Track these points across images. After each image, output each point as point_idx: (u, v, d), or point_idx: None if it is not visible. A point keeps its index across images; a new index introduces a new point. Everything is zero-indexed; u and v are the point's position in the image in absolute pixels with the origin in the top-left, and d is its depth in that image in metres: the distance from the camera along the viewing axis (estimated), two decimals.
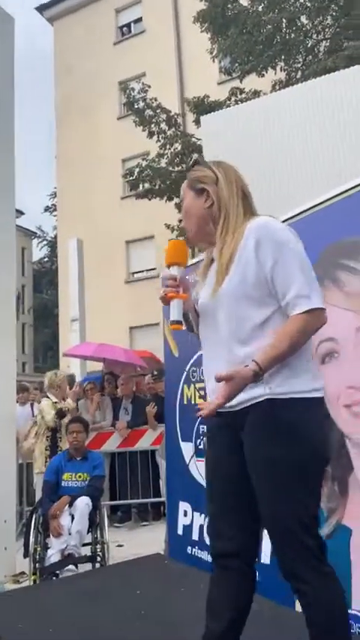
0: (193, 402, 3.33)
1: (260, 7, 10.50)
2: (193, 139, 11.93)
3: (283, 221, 1.93)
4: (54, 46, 20.45)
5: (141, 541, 4.83)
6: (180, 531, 3.33)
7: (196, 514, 3.20)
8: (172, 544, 3.44)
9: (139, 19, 18.52)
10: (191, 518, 3.24)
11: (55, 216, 25.91)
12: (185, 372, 3.41)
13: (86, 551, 3.78)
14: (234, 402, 1.53)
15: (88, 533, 3.83)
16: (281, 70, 10.64)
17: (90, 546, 3.82)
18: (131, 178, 12.85)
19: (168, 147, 12.21)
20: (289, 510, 1.47)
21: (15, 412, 4.87)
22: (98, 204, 17.23)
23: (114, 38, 18.92)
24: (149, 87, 12.62)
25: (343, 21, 9.89)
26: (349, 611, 1.78)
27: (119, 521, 5.80)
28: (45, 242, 33.79)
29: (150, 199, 12.59)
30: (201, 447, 3.20)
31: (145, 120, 12.23)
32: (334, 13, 10.20)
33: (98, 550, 3.80)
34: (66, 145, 18.88)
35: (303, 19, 10.31)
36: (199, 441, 3.22)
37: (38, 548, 3.71)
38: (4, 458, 4.25)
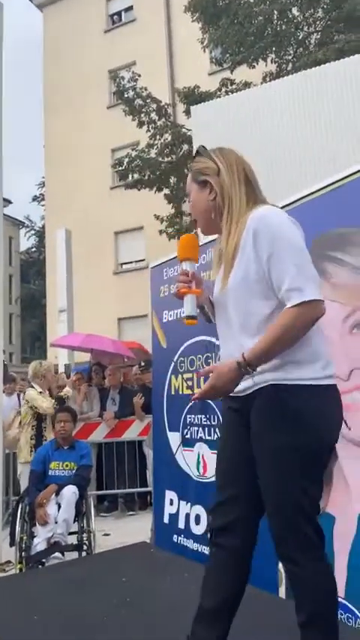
0: (180, 393, 3.35)
1: None
2: (184, 130, 11.88)
3: None
4: (43, 34, 20.16)
5: (127, 530, 4.86)
6: (166, 520, 3.36)
7: (182, 503, 3.22)
8: (158, 532, 3.47)
9: (130, 8, 18.31)
10: (177, 507, 3.26)
11: (43, 205, 25.72)
12: (173, 363, 3.42)
13: (72, 540, 3.80)
14: (241, 387, 1.57)
15: (74, 522, 3.84)
16: (272, 62, 10.62)
17: (76, 535, 3.84)
18: (120, 168, 12.78)
19: (158, 137, 12.15)
20: (292, 499, 1.49)
21: (2, 403, 4.86)
22: (87, 194, 17.10)
23: (104, 26, 18.70)
24: (139, 76, 12.53)
25: (334, 14, 9.87)
26: None
27: (106, 511, 5.82)
28: (33, 232, 33.56)
29: (139, 190, 12.54)
30: (188, 436, 3.22)
31: (134, 109, 12.15)
32: (325, 6, 10.19)
33: (84, 539, 3.82)
34: (54, 134, 18.68)
35: (294, 10, 10.28)
36: (186, 430, 3.24)
37: (24, 537, 3.72)
38: None
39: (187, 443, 3.22)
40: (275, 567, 2.40)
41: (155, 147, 12.21)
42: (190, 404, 3.21)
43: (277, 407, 1.52)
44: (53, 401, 4.86)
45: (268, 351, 1.50)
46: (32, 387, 4.98)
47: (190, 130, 9.42)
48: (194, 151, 1.77)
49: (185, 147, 11.75)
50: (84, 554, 3.73)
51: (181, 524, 3.19)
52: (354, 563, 2.03)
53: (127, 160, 12.37)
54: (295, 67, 9.93)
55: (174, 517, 3.28)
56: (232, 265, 1.58)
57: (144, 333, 8.02)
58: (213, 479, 2.93)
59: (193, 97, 11.00)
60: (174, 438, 3.35)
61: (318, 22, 10.55)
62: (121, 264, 17.23)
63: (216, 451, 2.95)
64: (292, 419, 1.49)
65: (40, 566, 3.52)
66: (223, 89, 11.12)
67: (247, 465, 1.58)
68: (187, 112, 10.07)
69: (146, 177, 12.23)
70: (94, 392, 6.34)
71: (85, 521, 3.92)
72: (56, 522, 3.69)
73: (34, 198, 30.69)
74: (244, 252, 1.55)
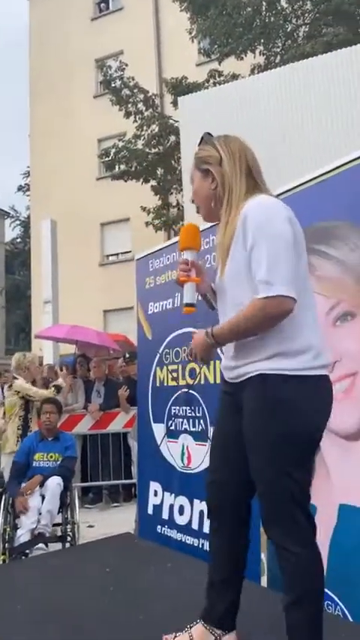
0: (165, 384, 3.35)
1: None
2: (171, 121, 11.81)
3: None
4: (29, 21, 19.83)
5: (112, 522, 4.87)
6: (150, 511, 3.37)
7: (167, 494, 3.24)
8: (142, 523, 3.49)
9: None
10: (161, 498, 3.28)
11: (28, 196, 25.38)
12: (158, 355, 3.42)
13: (56, 531, 3.80)
14: (234, 374, 1.66)
15: (58, 513, 3.84)
16: (260, 54, 10.59)
17: (60, 527, 3.85)
18: (107, 159, 12.68)
19: (145, 128, 12.06)
20: (281, 485, 1.53)
21: None
22: (73, 185, 16.93)
23: (91, 14, 18.45)
24: (126, 65, 12.40)
25: (322, 6, 9.86)
26: None
27: (90, 503, 5.83)
28: (18, 222, 33.10)
29: (126, 181, 12.45)
30: (172, 428, 3.23)
31: (121, 99, 12.04)
32: None
33: (68, 530, 3.82)
34: (40, 123, 18.44)
35: (283, 2, 10.25)
36: (170, 422, 3.25)
37: (7, 529, 3.72)
38: None
39: (172, 434, 3.23)
40: (258, 557, 2.43)
41: (142, 138, 12.12)
42: (175, 395, 3.22)
43: (266, 396, 1.55)
44: (52, 388, 4.92)
45: (231, 334, 1.60)
46: (16, 378, 4.95)
47: (177, 121, 9.36)
48: (200, 138, 1.79)
49: (172, 138, 11.68)
50: (68, 545, 3.73)
51: (165, 515, 3.21)
52: (334, 552, 2.06)
53: (113, 150, 12.27)
54: (283, 59, 9.92)
55: (158, 508, 3.30)
56: (228, 254, 1.62)
57: (129, 325, 8.01)
58: (197, 470, 2.97)
59: (180, 88, 10.93)
60: (158, 430, 3.36)
61: (306, 15, 10.53)
62: (107, 255, 17.14)
63: (200, 442, 2.99)
64: (281, 408, 1.52)
65: (23, 557, 3.52)
66: (211, 80, 11.06)
67: (239, 450, 1.63)
68: (175, 103, 10.01)
69: (133, 169, 12.15)
70: (79, 384, 6.32)
71: (69, 512, 3.92)
72: (40, 514, 3.68)
73: (19, 188, 30.24)
74: (238, 240, 1.58)
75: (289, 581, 1.56)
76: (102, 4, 18.57)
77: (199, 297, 1.84)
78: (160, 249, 3.53)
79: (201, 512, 2.91)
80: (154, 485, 3.37)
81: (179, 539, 3.06)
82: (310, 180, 2.39)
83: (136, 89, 12.09)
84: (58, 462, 3.98)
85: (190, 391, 3.11)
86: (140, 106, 12.12)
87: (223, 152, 1.68)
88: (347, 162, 2.24)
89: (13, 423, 4.82)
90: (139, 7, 17.07)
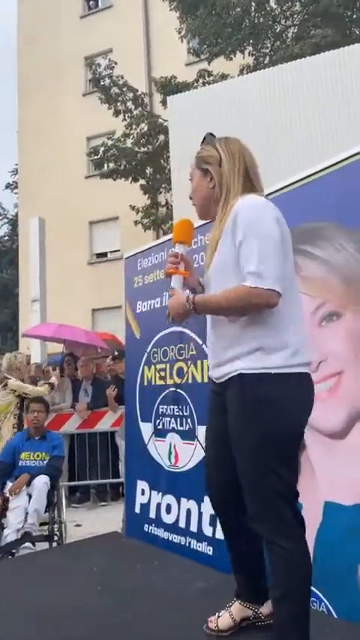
0: (153, 383, 3.35)
1: None
2: (160, 120, 11.80)
3: None
4: (17, 18, 19.66)
5: (99, 521, 4.87)
6: (137, 510, 3.38)
7: (154, 493, 3.24)
8: (129, 522, 3.49)
9: None
10: (149, 497, 3.28)
11: (16, 193, 25.19)
12: (146, 354, 3.42)
13: (44, 531, 3.79)
14: (217, 373, 1.71)
15: (45, 512, 3.83)
16: (249, 55, 10.62)
17: (47, 526, 3.84)
18: (96, 157, 12.64)
19: (134, 127, 12.04)
20: (265, 481, 1.56)
21: None
22: (61, 183, 16.83)
23: (80, 12, 18.36)
24: (116, 64, 12.36)
25: (311, 8, 9.91)
26: None
27: (78, 502, 5.82)
28: (5, 220, 32.84)
29: (115, 180, 12.42)
30: (160, 427, 3.24)
31: (111, 98, 12.01)
32: (302, 0, 10.21)
33: (56, 529, 3.82)
34: (28, 121, 18.30)
35: (272, 3, 10.29)
36: (158, 421, 3.26)
37: None
38: None
39: (159, 433, 3.24)
40: None
41: (131, 136, 12.10)
42: (163, 394, 3.23)
43: (247, 396, 1.59)
44: (47, 385, 5.12)
45: (209, 308, 1.67)
46: (8, 378, 5.06)
47: (166, 120, 9.36)
48: (203, 138, 1.85)
49: (162, 137, 11.67)
50: (55, 544, 3.73)
51: (152, 514, 3.22)
52: (319, 549, 2.08)
53: (102, 149, 12.23)
54: (272, 60, 9.96)
55: (145, 507, 3.30)
56: (215, 249, 1.69)
57: (118, 324, 8.00)
58: (184, 469, 2.98)
59: (170, 88, 10.93)
60: (146, 429, 3.37)
61: (295, 16, 10.58)
62: (96, 254, 17.08)
63: (187, 441, 3.00)
64: (262, 407, 1.56)
65: (10, 557, 3.51)
66: (200, 80, 11.07)
67: (227, 449, 1.68)
68: (164, 102, 10.00)
69: (122, 167, 12.12)
70: (67, 383, 6.30)
71: (56, 511, 3.91)
72: (27, 513, 3.67)
73: (7, 186, 29.97)
74: (227, 236, 1.64)
75: (278, 576, 1.59)
76: (91, 2, 18.48)
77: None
78: (149, 248, 3.53)
79: (188, 511, 2.93)
80: (142, 484, 3.37)
81: (166, 537, 3.06)
82: (297, 181, 2.41)
83: (125, 88, 12.06)
84: (45, 461, 3.98)
85: (178, 390, 3.11)
86: (129, 104, 12.10)
87: (223, 153, 1.74)
88: (334, 163, 2.27)
89: (9, 422, 4.87)
90: (129, 4, 17.01)
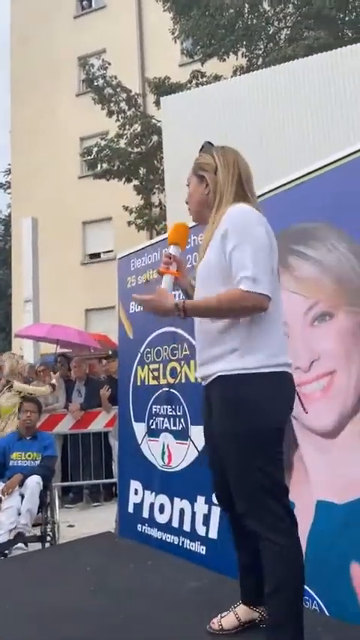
0: (146, 383, 3.36)
1: None
2: (154, 121, 11.80)
3: None
4: (11, 17, 19.59)
5: (92, 521, 4.86)
6: (130, 509, 3.38)
7: (147, 492, 3.25)
8: (122, 522, 3.49)
9: None
10: (142, 497, 3.29)
11: (9, 193, 25.06)
12: (139, 354, 3.42)
13: (36, 531, 3.78)
14: (201, 374, 1.79)
15: (38, 513, 3.82)
16: (243, 56, 10.65)
17: (40, 526, 3.82)
18: (89, 158, 12.61)
19: (127, 127, 12.03)
20: (251, 479, 1.61)
21: None
22: (54, 183, 16.78)
23: (74, 12, 18.32)
24: (109, 64, 12.35)
25: (304, 10, 9.96)
26: None
27: (71, 502, 5.81)
28: None
29: (108, 180, 12.40)
30: (153, 427, 3.24)
31: (104, 98, 11.99)
32: (295, 2, 10.26)
33: (48, 530, 3.81)
34: (21, 120, 18.23)
35: (265, 5, 10.32)
36: (151, 421, 3.26)
37: None
38: None
39: (153, 433, 3.24)
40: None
41: (125, 137, 12.09)
42: (156, 394, 3.23)
43: (228, 397, 1.65)
44: (48, 385, 5.29)
45: (204, 312, 1.70)
46: (9, 381, 5.21)
47: (160, 121, 9.36)
48: (201, 146, 1.91)
49: (155, 138, 11.68)
50: (47, 545, 3.72)
51: (146, 514, 3.22)
52: (311, 547, 2.09)
53: (96, 149, 12.21)
54: (265, 61, 9.99)
55: (138, 506, 3.30)
56: (204, 253, 1.75)
57: (111, 324, 7.99)
58: (177, 468, 2.99)
59: (163, 88, 10.94)
60: (139, 429, 3.37)
61: (288, 18, 10.62)
62: (89, 254, 17.04)
63: (181, 441, 3.01)
64: (243, 407, 1.61)
65: (2, 557, 3.49)
66: (194, 81, 11.09)
67: (217, 449, 1.73)
68: (157, 103, 10.01)
69: (115, 168, 12.11)
70: (60, 383, 6.28)
71: (49, 512, 3.90)
72: (19, 513, 3.66)
73: (0, 186, 29.90)
74: (216, 241, 1.70)
75: (271, 571, 1.61)
76: (84, 2, 18.45)
77: (182, 295, 1.99)
78: (142, 249, 3.54)
79: (181, 511, 2.93)
80: (135, 484, 3.37)
81: (159, 537, 3.07)
82: (290, 182, 2.43)
83: (118, 88, 12.05)
84: (37, 461, 3.97)
85: (171, 390, 3.12)
86: (123, 105, 12.09)
87: (219, 162, 1.80)
88: (327, 164, 2.28)
89: (13, 423, 4.85)
90: (123, 5, 17.00)
